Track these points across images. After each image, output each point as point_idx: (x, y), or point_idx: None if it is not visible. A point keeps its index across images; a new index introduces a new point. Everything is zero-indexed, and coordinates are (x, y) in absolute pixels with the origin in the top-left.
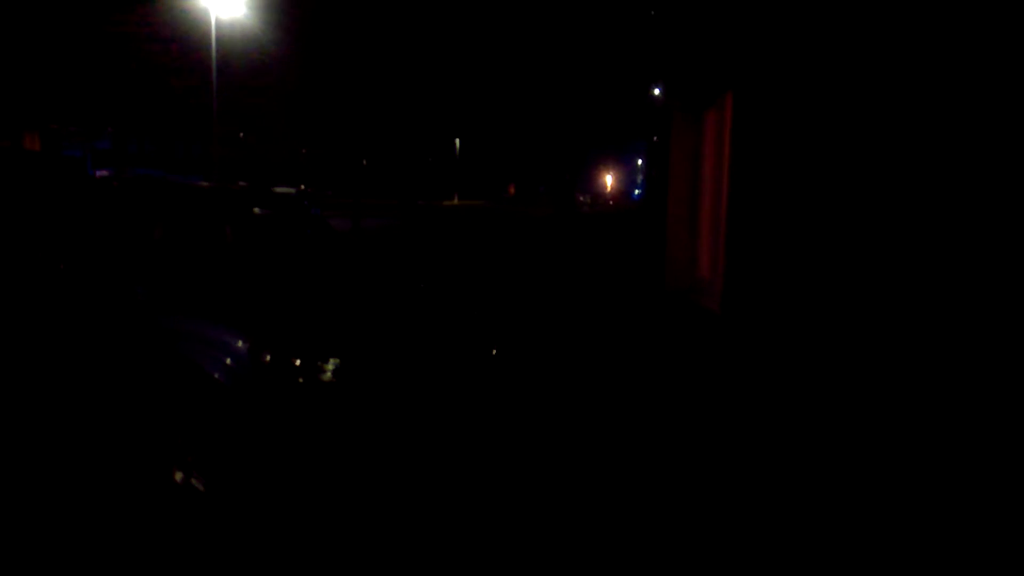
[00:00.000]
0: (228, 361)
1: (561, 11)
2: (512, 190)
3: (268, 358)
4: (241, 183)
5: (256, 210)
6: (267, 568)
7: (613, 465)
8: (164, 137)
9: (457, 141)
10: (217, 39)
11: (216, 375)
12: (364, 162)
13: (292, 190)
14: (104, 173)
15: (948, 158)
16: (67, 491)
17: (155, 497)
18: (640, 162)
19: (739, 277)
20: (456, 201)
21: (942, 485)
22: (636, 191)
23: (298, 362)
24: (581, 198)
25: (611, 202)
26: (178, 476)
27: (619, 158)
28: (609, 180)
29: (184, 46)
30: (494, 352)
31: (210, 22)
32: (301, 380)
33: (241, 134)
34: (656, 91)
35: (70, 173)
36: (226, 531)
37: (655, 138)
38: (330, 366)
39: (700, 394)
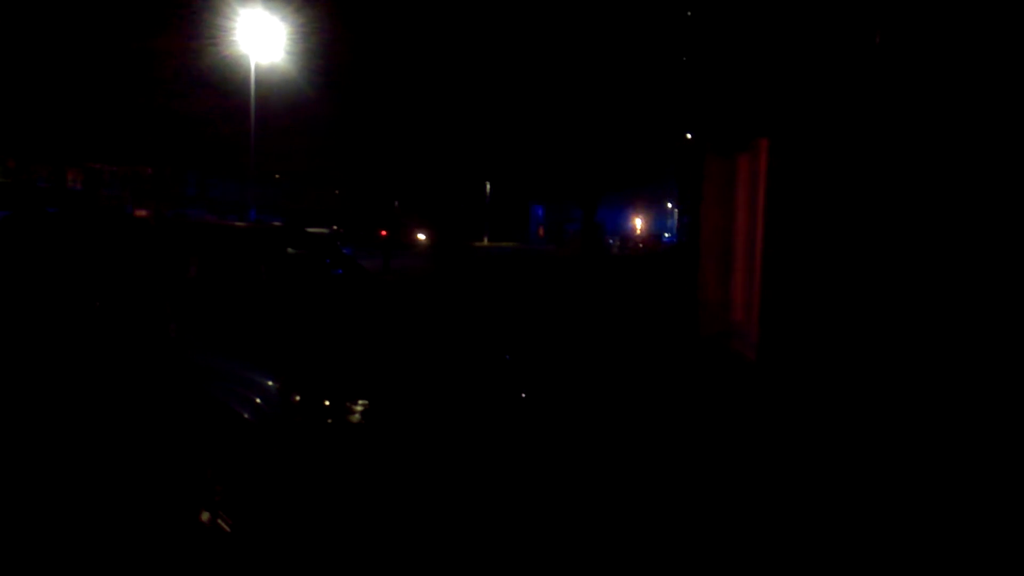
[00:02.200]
0: (258, 400)
1: (589, 56)
2: (541, 232)
3: (298, 398)
4: (276, 223)
5: (290, 250)
6: None
7: (644, 521)
8: (202, 177)
9: (488, 184)
10: (255, 83)
11: (245, 414)
12: (396, 203)
13: (325, 230)
14: (143, 212)
15: (990, 208)
16: (94, 529)
17: (181, 538)
18: (670, 205)
19: (775, 323)
20: (486, 242)
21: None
22: (666, 234)
23: (327, 403)
24: (611, 240)
25: (640, 245)
26: (205, 516)
27: (649, 201)
28: (638, 223)
29: (223, 89)
30: (523, 396)
31: (249, 66)
32: (330, 421)
33: (277, 175)
34: (688, 135)
35: (109, 212)
36: (251, 573)
37: (687, 181)
38: (359, 407)
39: (735, 445)
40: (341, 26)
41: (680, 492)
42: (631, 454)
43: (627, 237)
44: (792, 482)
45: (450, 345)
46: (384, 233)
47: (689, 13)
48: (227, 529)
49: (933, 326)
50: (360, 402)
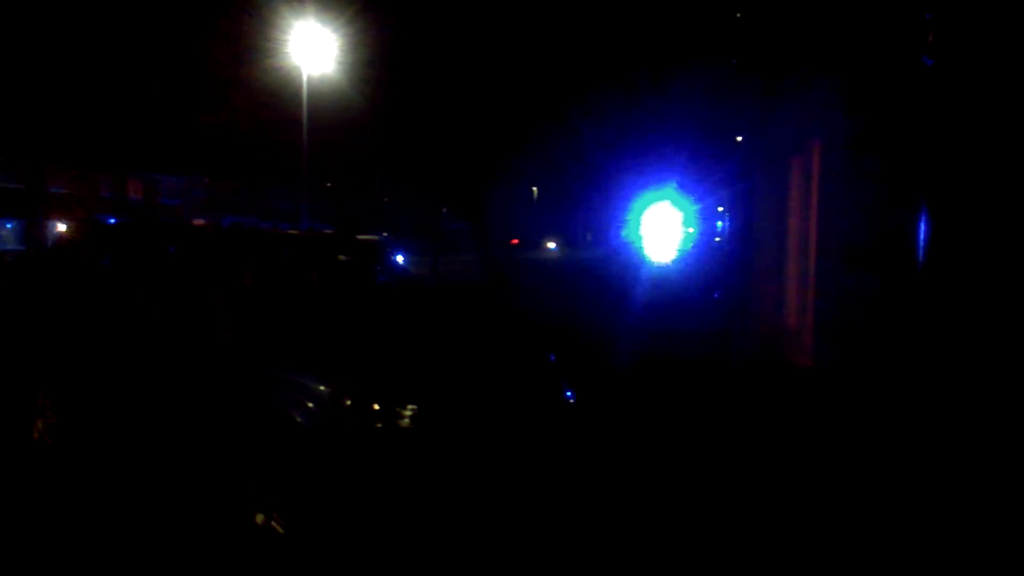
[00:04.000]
0: (310, 405)
1: (638, 56)
2: (589, 237)
3: (348, 403)
4: (327, 230)
5: (340, 256)
6: None
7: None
8: (256, 187)
9: (535, 189)
10: (307, 93)
11: (298, 418)
12: (444, 210)
13: (375, 237)
14: (200, 221)
15: None
16: (153, 531)
17: (238, 539)
18: (720, 208)
19: (833, 328)
20: (537, 248)
21: None
22: (716, 238)
23: (377, 407)
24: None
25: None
26: (259, 518)
27: (696, 203)
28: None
29: (276, 100)
30: (572, 402)
31: (301, 78)
32: (379, 425)
33: (328, 184)
34: (739, 138)
35: (169, 222)
36: (303, 570)
37: (736, 184)
38: (408, 412)
39: (793, 451)
40: (391, 36)
41: (742, 499)
42: (679, 462)
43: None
44: (851, 488)
45: (496, 349)
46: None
47: (738, 15)
48: (280, 531)
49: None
50: (408, 406)
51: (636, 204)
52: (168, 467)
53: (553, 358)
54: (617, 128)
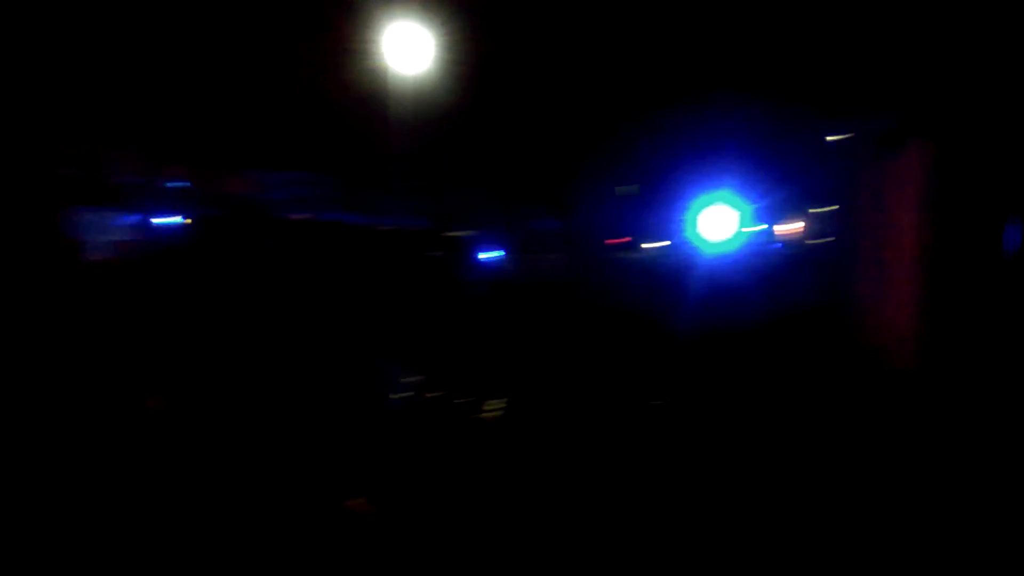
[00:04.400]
0: (399, 395)
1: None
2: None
3: (435, 394)
4: (418, 227)
5: (434, 252)
6: None
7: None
8: (354, 183)
9: (632, 188)
10: (401, 92)
11: (388, 408)
12: (534, 207)
13: (463, 233)
14: (300, 216)
15: None
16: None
17: (331, 516)
18: (817, 209)
19: (940, 330)
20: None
21: None
22: (780, 237)
23: (461, 400)
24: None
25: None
26: (354, 497)
27: (758, 202)
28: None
29: (373, 98)
30: (659, 403)
31: (397, 76)
32: (464, 416)
33: (421, 181)
34: (832, 136)
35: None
36: (395, 552)
37: (833, 182)
38: (493, 405)
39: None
40: (484, 33)
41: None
42: (773, 469)
43: None
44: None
45: (579, 349)
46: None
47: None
48: (371, 509)
49: None
50: (494, 400)
51: (693, 202)
52: (271, 446)
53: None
54: (703, 122)
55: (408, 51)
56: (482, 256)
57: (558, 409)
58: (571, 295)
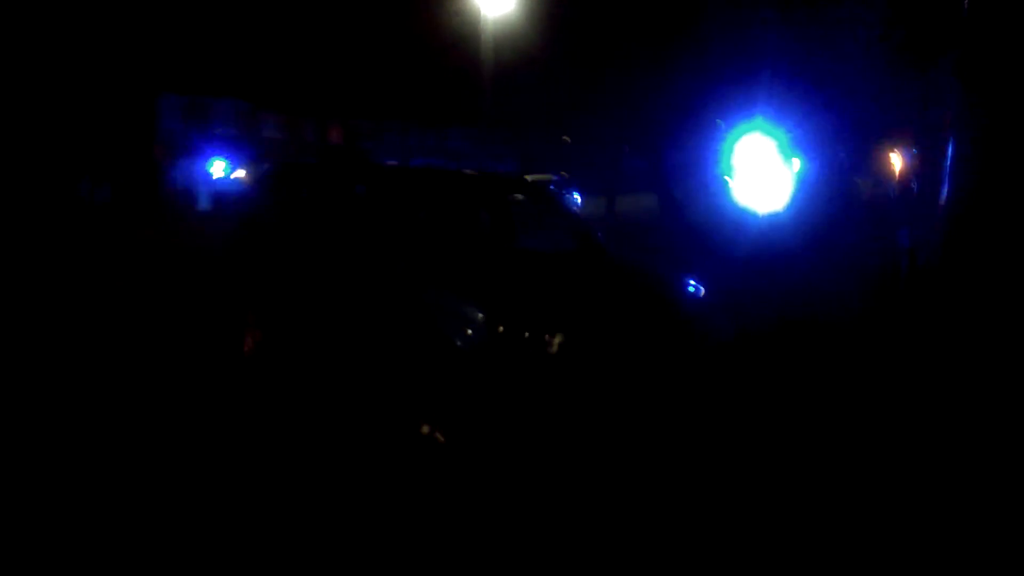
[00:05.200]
0: (468, 331)
1: None
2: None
3: (501, 329)
4: (503, 170)
5: (517, 195)
6: (492, 518)
7: None
8: (441, 130)
9: (720, 121)
10: (488, 35)
11: (458, 342)
12: (626, 149)
13: (547, 176)
14: (392, 163)
15: None
16: (340, 433)
17: (406, 445)
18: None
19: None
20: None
21: None
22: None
23: (527, 334)
24: (860, 182)
25: (903, 183)
26: (424, 429)
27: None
28: (896, 160)
29: (459, 43)
30: (722, 342)
31: (481, 19)
32: (529, 351)
33: (508, 125)
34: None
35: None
36: (461, 480)
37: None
38: (556, 340)
39: None
40: None
41: None
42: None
43: (882, 178)
44: None
45: (653, 289)
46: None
47: None
48: (442, 440)
49: None
50: (557, 335)
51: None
52: (351, 379)
53: (703, 295)
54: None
55: None
56: (568, 198)
57: (618, 346)
58: (657, 236)
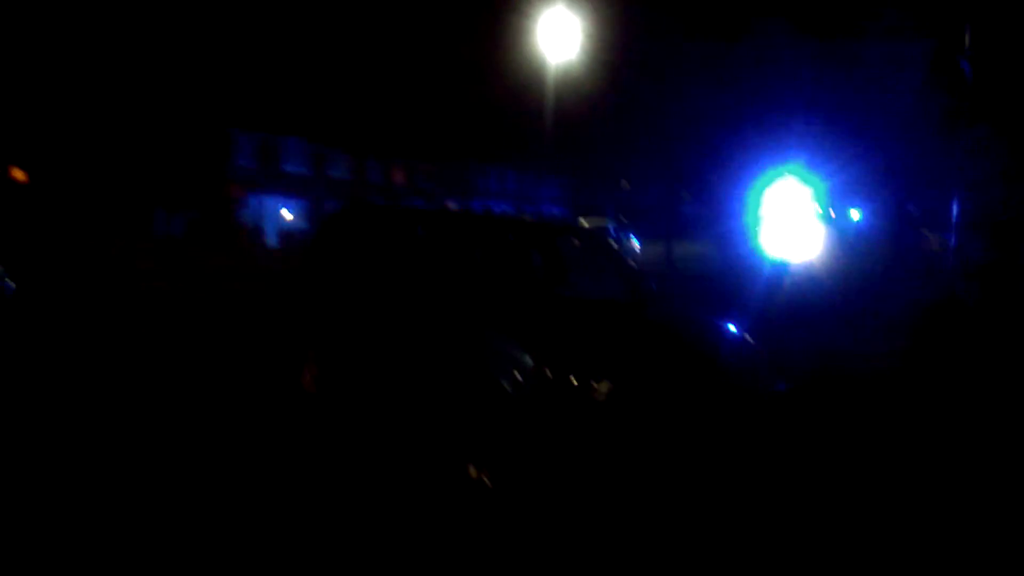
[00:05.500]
0: (517, 375)
1: None
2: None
3: (550, 375)
4: (555, 215)
5: (574, 240)
6: (538, 560)
7: None
8: (502, 172)
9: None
10: (551, 82)
11: (505, 385)
12: (683, 194)
13: (606, 221)
14: (452, 204)
15: None
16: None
17: (453, 488)
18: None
19: None
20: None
21: None
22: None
23: (575, 381)
24: (929, 236)
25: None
26: (472, 472)
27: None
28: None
29: (523, 89)
30: (782, 389)
31: (546, 66)
32: (576, 396)
33: (569, 169)
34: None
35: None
36: (508, 522)
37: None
38: (603, 387)
39: None
40: (634, 21)
41: None
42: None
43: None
44: None
45: (701, 339)
46: None
47: None
48: (488, 484)
49: None
50: (604, 382)
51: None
52: (404, 419)
53: (755, 344)
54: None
55: (560, 39)
56: (627, 242)
57: (666, 395)
58: (712, 282)
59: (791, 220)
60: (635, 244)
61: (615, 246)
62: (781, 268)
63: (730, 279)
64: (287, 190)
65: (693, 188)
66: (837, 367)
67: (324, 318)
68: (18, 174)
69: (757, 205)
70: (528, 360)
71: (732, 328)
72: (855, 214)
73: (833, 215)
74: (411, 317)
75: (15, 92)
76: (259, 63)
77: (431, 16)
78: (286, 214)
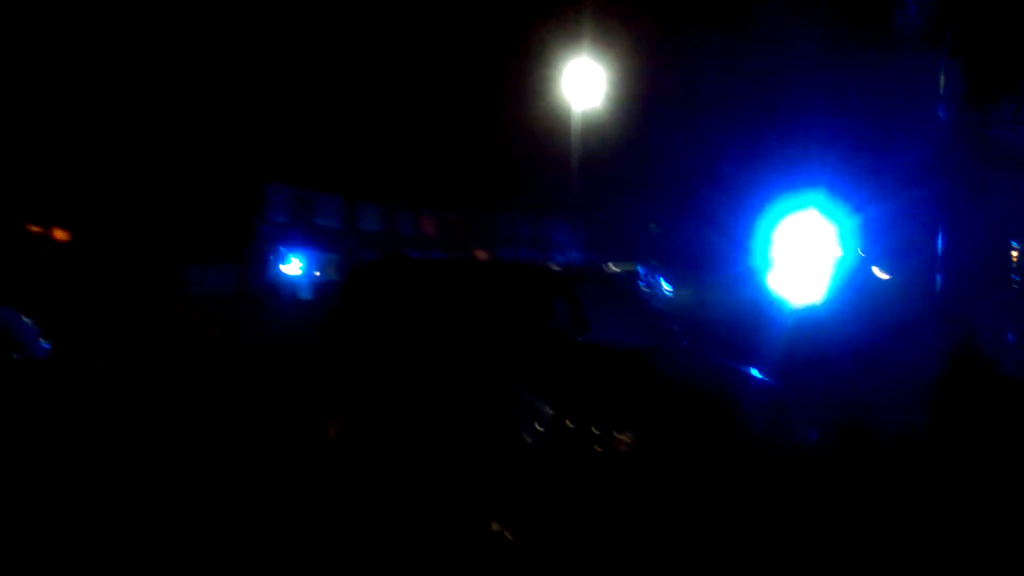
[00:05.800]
0: (538, 426)
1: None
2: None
3: (570, 424)
4: (579, 261)
5: (600, 286)
6: None
7: None
8: (532, 219)
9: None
10: (576, 128)
11: (526, 436)
12: (712, 237)
13: (634, 265)
14: (480, 253)
15: None
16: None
17: (474, 542)
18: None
19: None
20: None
21: None
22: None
23: (596, 431)
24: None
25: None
26: (495, 526)
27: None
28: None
29: (549, 136)
30: (810, 437)
31: (571, 113)
32: (598, 448)
33: (598, 214)
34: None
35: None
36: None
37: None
38: (625, 438)
39: None
40: (659, 69)
41: None
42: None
43: None
44: None
45: (727, 390)
46: None
47: None
48: (511, 539)
49: None
50: (626, 433)
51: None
52: (425, 472)
53: (783, 391)
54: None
55: (585, 87)
56: (658, 286)
57: (686, 444)
58: (740, 328)
59: (814, 259)
60: (666, 288)
61: (642, 291)
62: (805, 311)
63: (753, 323)
64: (318, 243)
65: (721, 230)
66: (863, 420)
67: (347, 370)
68: (59, 234)
69: (779, 244)
70: (549, 411)
71: (758, 375)
72: (881, 253)
73: (862, 254)
74: (432, 368)
75: (55, 149)
76: (291, 117)
77: (459, 68)
78: (312, 269)
